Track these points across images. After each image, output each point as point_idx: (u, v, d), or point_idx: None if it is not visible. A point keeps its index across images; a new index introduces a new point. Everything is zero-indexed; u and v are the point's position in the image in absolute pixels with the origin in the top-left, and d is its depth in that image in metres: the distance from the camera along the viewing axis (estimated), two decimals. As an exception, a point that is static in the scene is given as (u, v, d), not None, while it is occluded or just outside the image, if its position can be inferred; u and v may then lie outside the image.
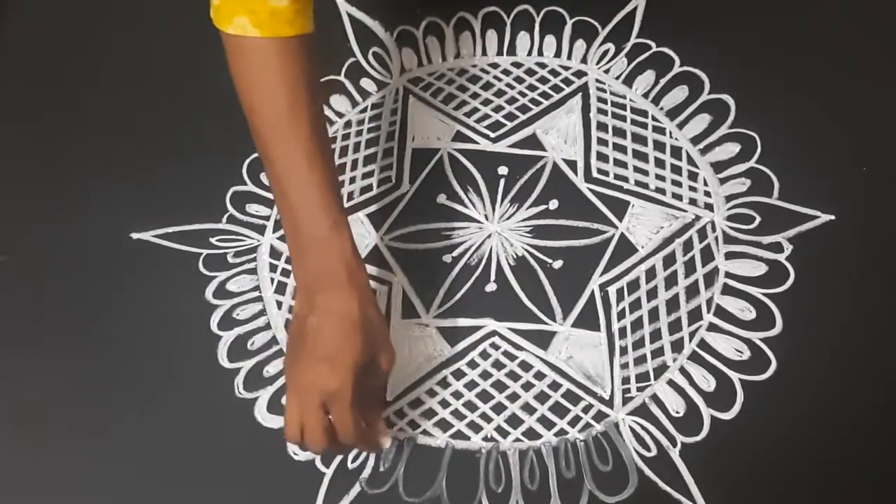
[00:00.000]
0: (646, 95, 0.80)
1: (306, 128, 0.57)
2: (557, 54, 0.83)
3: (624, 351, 0.68)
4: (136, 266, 0.73)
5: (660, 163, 0.76)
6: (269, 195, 0.76)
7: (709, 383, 0.66)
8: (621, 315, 0.69)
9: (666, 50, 0.82)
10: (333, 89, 0.81)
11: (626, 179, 0.76)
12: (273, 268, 0.73)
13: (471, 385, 0.67)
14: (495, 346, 0.68)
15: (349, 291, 0.57)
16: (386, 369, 0.59)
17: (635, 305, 0.69)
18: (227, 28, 0.56)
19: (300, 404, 0.56)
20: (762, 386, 0.65)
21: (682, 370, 0.67)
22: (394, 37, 0.84)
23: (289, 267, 0.73)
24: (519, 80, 0.82)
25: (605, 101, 0.80)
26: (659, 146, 0.77)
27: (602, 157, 0.77)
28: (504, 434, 0.65)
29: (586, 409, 0.66)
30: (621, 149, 0.77)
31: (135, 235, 0.74)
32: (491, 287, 0.71)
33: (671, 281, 0.70)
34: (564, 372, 0.67)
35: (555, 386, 0.67)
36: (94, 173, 0.78)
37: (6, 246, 0.74)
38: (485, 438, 0.65)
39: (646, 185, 0.75)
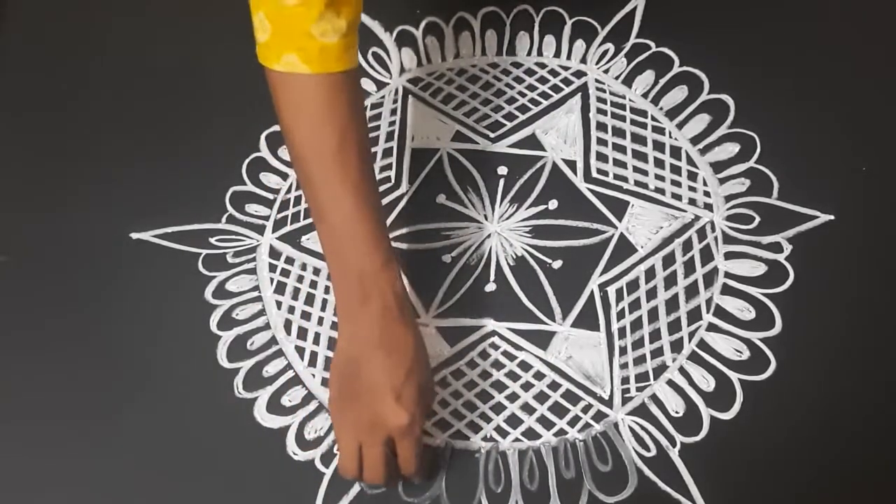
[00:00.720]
0: (645, 95, 0.80)
1: (356, 164, 0.57)
2: (557, 54, 0.83)
3: (623, 351, 0.68)
4: (136, 266, 0.73)
5: (659, 163, 0.76)
6: (269, 195, 0.76)
7: (708, 383, 0.66)
8: (621, 315, 0.69)
9: (665, 50, 0.82)
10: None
11: (625, 179, 0.76)
12: (272, 268, 0.73)
13: (470, 385, 0.67)
14: (495, 346, 0.68)
15: (405, 327, 0.57)
16: (431, 402, 0.60)
17: (635, 305, 0.69)
18: (275, 65, 0.56)
19: (361, 439, 0.56)
20: (761, 386, 0.65)
21: (682, 370, 0.67)
22: (393, 37, 0.85)
23: (288, 267, 0.73)
24: (518, 80, 0.82)
25: (604, 101, 0.80)
26: (658, 146, 0.77)
27: (601, 157, 0.77)
28: (503, 434, 0.65)
29: (586, 409, 0.66)
30: (621, 149, 0.77)
31: (134, 235, 0.74)
32: (490, 287, 0.71)
33: (670, 281, 0.70)
34: (564, 372, 0.67)
35: (554, 386, 0.67)
36: (94, 173, 0.78)
37: (6, 246, 0.74)
38: (484, 438, 0.65)
39: (645, 185, 0.75)
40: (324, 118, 0.56)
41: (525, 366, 0.67)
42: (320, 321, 0.70)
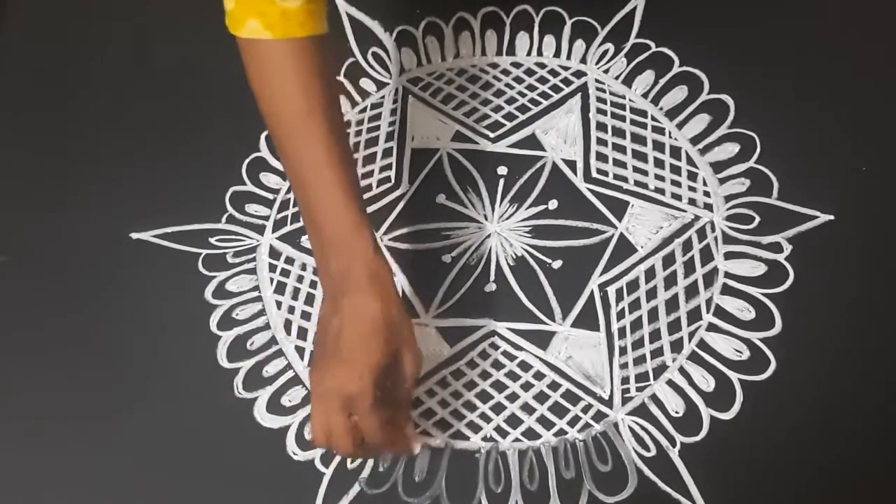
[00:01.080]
0: (645, 95, 0.80)
1: (324, 128, 0.57)
2: (557, 54, 0.83)
3: (623, 351, 0.68)
4: (136, 266, 0.73)
5: (659, 163, 0.76)
6: (269, 195, 0.76)
7: (708, 383, 0.66)
8: (621, 315, 0.69)
9: (665, 50, 0.82)
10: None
11: (625, 179, 0.76)
12: (272, 268, 0.73)
13: (470, 385, 0.67)
14: (494, 347, 0.68)
15: (371, 292, 0.56)
16: (411, 370, 0.58)
17: (635, 305, 0.69)
18: (240, 32, 0.56)
19: (325, 408, 0.55)
20: (761, 386, 0.65)
21: (682, 370, 0.67)
22: (393, 37, 0.84)
23: (288, 267, 0.73)
24: (518, 80, 0.82)
25: (604, 101, 0.80)
26: (658, 146, 0.77)
27: (601, 157, 0.77)
28: (503, 434, 0.65)
29: (586, 409, 0.66)
30: (621, 149, 0.77)
31: (134, 235, 0.74)
32: (490, 287, 0.71)
33: (670, 281, 0.70)
34: (564, 372, 0.67)
35: (554, 386, 0.67)
36: (94, 173, 0.78)
37: (6, 246, 0.74)
38: (484, 438, 0.65)
39: (645, 185, 0.75)
40: (289, 83, 0.56)
41: (525, 366, 0.67)
42: (320, 321, 0.70)
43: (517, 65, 0.83)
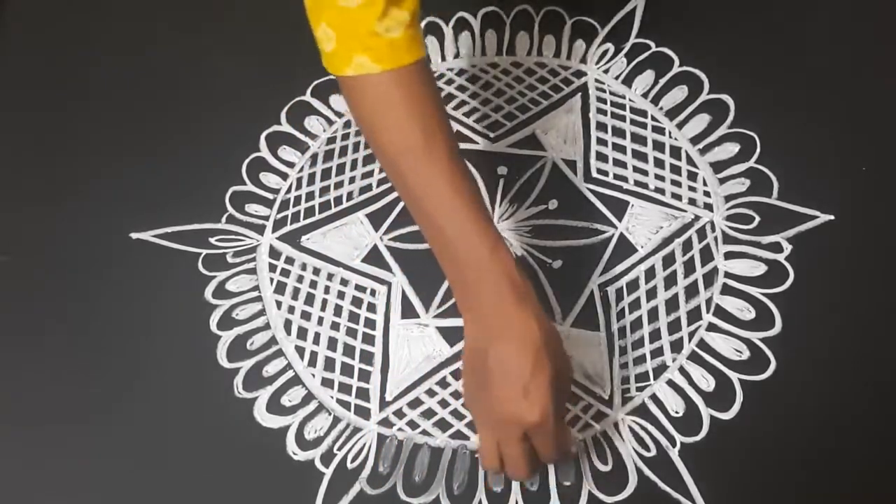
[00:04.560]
0: (645, 95, 0.80)
1: (445, 152, 0.56)
2: (557, 54, 0.83)
3: (623, 351, 0.68)
4: (136, 266, 0.73)
5: (659, 163, 0.76)
6: (269, 195, 0.76)
7: (708, 383, 0.66)
8: (621, 315, 0.69)
9: (665, 50, 0.82)
10: (333, 89, 0.81)
11: (625, 179, 0.76)
12: (272, 268, 0.73)
13: (470, 385, 0.67)
14: (495, 346, 0.68)
15: (525, 311, 0.54)
16: (570, 376, 0.57)
17: (635, 305, 0.69)
18: (346, 70, 0.55)
19: (499, 437, 0.55)
20: (761, 386, 0.65)
21: (682, 370, 0.67)
22: (393, 37, 0.84)
23: (288, 267, 0.73)
24: (518, 79, 0.82)
25: (604, 101, 0.80)
26: (658, 146, 0.77)
27: (601, 157, 0.77)
28: (503, 434, 0.65)
29: (586, 409, 0.66)
30: (621, 149, 0.77)
31: (134, 235, 0.74)
32: (490, 287, 0.71)
33: (670, 281, 0.70)
34: (564, 372, 0.67)
35: (554, 386, 0.66)
36: (94, 173, 0.78)
37: (6, 246, 0.75)
38: (484, 438, 0.65)
39: (645, 185, 0.75)
40: (406, 113, 0.55)
41: (525, 366, 0.67)
42: (320, 321, 0.70)
43: (517, 65, 0.83)
